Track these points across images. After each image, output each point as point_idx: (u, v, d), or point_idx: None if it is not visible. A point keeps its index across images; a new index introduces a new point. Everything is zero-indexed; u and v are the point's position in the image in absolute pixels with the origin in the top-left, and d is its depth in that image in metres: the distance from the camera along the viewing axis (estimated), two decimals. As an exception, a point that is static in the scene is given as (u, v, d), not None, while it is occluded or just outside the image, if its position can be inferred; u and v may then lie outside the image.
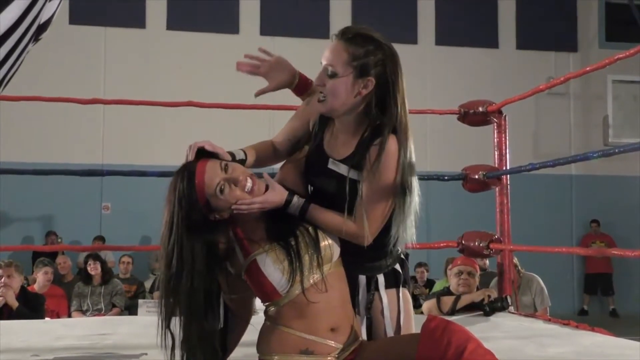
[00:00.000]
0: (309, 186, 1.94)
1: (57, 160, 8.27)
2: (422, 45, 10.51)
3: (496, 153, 3.97)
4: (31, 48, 1.47)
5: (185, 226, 1.68)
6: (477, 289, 3.93)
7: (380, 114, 1.78)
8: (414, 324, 1.96)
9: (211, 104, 3.91)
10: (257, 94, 2.10)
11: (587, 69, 3.29)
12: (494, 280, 4.48)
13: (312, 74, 2.11)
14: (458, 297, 3.81)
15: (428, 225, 8.62)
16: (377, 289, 1.93)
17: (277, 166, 2.02)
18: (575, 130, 10.95)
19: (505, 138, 3.96)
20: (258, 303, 1.86)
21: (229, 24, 9.96)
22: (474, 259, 4.13)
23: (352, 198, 1.77)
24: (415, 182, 1.80)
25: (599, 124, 10.31)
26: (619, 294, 10.39)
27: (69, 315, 5.98)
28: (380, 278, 1.94)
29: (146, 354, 2.47)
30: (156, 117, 8.86)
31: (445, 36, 10.56)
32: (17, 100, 3.54)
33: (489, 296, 3.71)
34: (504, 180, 3.92)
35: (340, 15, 10.07)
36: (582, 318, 9.19)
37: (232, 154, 1.81)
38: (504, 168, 3.93)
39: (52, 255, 7.30)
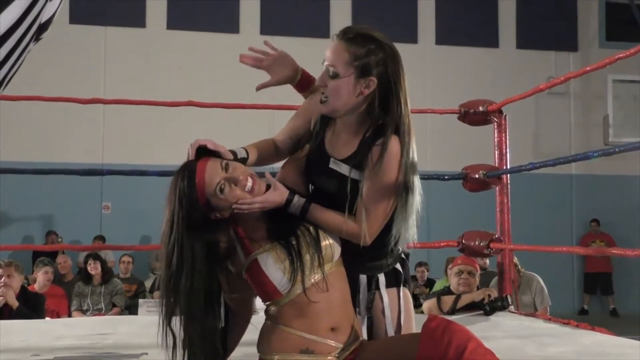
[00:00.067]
0: (310, 185, 1.94)
1: (57, 159, 8.27)
2: (422, 45, 10.51)
3: (496, 152, 3.97)
4: (32, 48, 1.47)
5: (186, 225, 1.68)
6: (478, 289, 3.93)
7: (383, 114, 1.78)
8: (414, 323, 1.96)
9: (211, 103, 3.91)
10: (259, 88, 2.10)
11: (588, 68, 3.29)
12: (494, 280, 4.48)
13: (313, 74, 2.12)
14: (458, 297, 3.81)
15: (428, 224, 8.61)
16: (377, 288, 1.93)
17: (278, 165, 2.02)
18: (576, 130, 10.96)
19: (506, 137, 3.96)
20: (258, 302, 1.86)
21: (229, 23, 9.96)
22: (474, 259, 4.13)
23: (353, 198, 1.77)
24: (417, 182, 1.80)
25: (599, 124, 10.31)
26: (619, 293, 10.40)
27: (69, 315, 5.98)
28: (381, 277, 1.94)
29: (146, 353, 2.47)
30: (156, 117, 8.86)
31: (445, 36, 10.56)
32: (17, 100, 3.54)
33: (489, 295, 3.71)
34: (504, 180, 3.92)
35: (340, 15, 10.07)
36: (582, 317, 9.19)
37: (233, 153, 1.81)
38: (504, 167, 3.93)
39: (52, 255, 7.30)
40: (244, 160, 1.83)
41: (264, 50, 2.11)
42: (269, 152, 1.95)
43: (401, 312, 1.94)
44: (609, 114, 10.05)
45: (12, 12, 1.24)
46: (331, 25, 9.88)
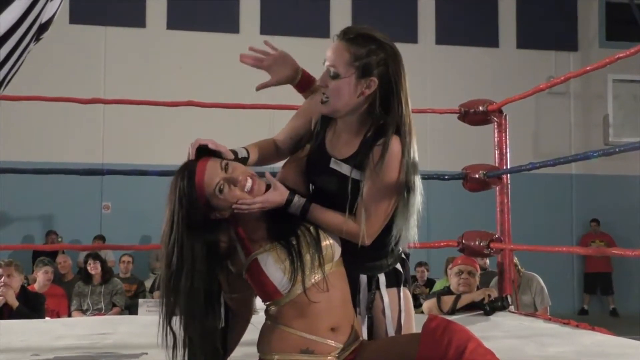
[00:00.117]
0: (310, 185, 1.94)
1: (57, 159, 8.27)
2: (422, 45, 10.51)
3: (496, 152, 3.97)
4: (32, 48, 1.47)
5: (186, 225, 1.68)
6: (478, 289, 3.93)
7: (384, 114, 1.78)
8: (414, 323, 1.96)
9: (211, 103, 3.91)
10: (259, 88, 2.10)
11: (588, 68, 3.29)
12: (494, 280, 4.48)
13: (313, 73, 2.12)
14: (458, 297, 3.81)
15: (428, 224, 8.61)
16: (378, 288, 1.93)
17: (278, 165, 2.02)
18: (576, 130, 10.96)
19: (506, 137, 3.95)
20: (259, 302, 1.86)
21: (229, 23, 9.96)
22: (474, 259, 4.13)
23: (353, 198, 1.77)
24: (418, 181, 1.80)
25: (599, 124, 10.30)
26: (619, 293, 10.40)
27: (69, 315, 5.98)
28: (382, 277, 1.94)
29: (146, 353, 2.47)
30: (156, 117, 8.86)
31: (445, 35, 10.56)
32: (17, 100, 3.54)
33: (489, 295, 3.71)
34: (504, 180, 3.92)
35: (340, 15, 10.07)
36: (582, 317, 9.19)
37: (234, 152, 1.80)
38: (504, 167, 3.93)
39: (52, 255, 7.30)
40: (244, 160, 1.83)
41: (264, 50, 2.11)
42: (269, 152, 1.95)
43: (401, 312, 1.94)
44: (609, 113, 10.05)
45: (12, 13, 1.24)
46: (331, 25, 9.88)
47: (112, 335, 2.96)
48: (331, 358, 1.71)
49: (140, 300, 4.11)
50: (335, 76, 1.76)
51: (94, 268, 6.27)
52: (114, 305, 6.25)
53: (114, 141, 9.50)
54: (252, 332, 1.85)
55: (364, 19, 9.15)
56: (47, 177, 6.12)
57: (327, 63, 1.77)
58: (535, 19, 10.70)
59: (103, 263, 6.40)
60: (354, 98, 1.77)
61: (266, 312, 1.79)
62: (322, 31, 9.42)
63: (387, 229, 1.83)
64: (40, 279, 5.87)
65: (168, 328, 1.70)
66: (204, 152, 1.75)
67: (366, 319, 1.92)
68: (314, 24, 9.84)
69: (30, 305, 4.84)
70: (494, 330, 3.09)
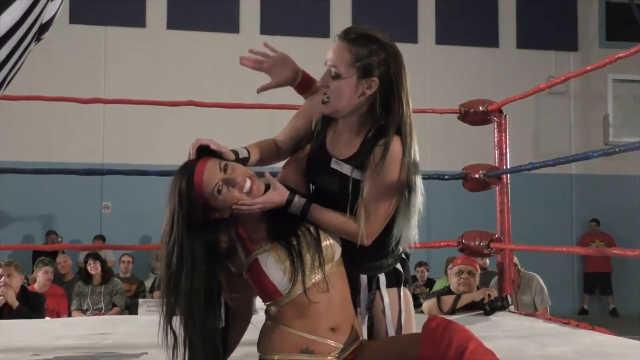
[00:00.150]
0: (311, 185, 1.94)
1: (57, 159, 8.27)
2: (422, 45, 10.51)
3: (496, 152, 3.97)
4: (33, 48, 1.47)
5: (186, 225, 1.68)
6: (478, 288, 3.93)
7: (385, 114, 1.78)
8: (414, 323, 1.96)
9: (211, 103, 3.91)
10: (259, 90, 2.10)
11: (588, 68, 3.29)
12: (494, 280, 4.48)
13: (313, 73, 2.12)
14: (458, 297, 3.81)
15: (428, 224, 8.58)
16: (378, 288, 1.93)
17: (279, 165, 2.02)
18: (576, 130, 10.96)
19: (506, 137, 3.96)
20: (259, 302, 1.86)
21: (229, 23, 9.96)
22: (474, 258, 4.13)
23: (354, 198, 1.77)
24: (419, 181, 1.81)
25: (599, 123, 10.30)
26: (618, 293, 10.40)
27: (69, 315, 5.99)
28: (382, 277, 1.94)
29: (146, 353, 2.47)
30: (156, 117, 8.86)
31: (445, 35, 10.57)
32: (17, 99, 3.54)
33: (489, 295, 3.71)
34: (504, 180, 3.92)
35: (340, 15, 10.07)
36: (582, 317, 9.19)
37: (235, 152, 1.80)
38: (504, 167, 3.93)
39: (53, 255, 7.30)
40: (245, 160, 1.83)
41: (263, 52, 2.11)
42: (270, 152, 1.95)
43: (402, 312, 1.94)
44: (609, 113, 10.05)
45: (13, 13, 1.24)
46: (331, 25, 9.88)
47: (112, 335, 2.96)
48: (331, 358, 1.71)
49: (140, 300, 4.10)
50: (337, 76, 1.76)
51: (94, 268, 6.27)
52: (114, 305, 6.25)
53: (114, 141, 9.50)
54: (252, 332, 1.85)
55: (364, 19, 9.16)
56: (47, 177, 6.11)
57: (328, 63, 1.78)
58: (535, 19, 10.70)
59: (103, 263, 6.41)
60: (355, 98, 1.77)
61: (266, 312, 1.79)
62: (322, 31, 9.42)
63: (388, 229, 1.83)
64: (40, 278, 5.87)
65: (168, 328, 1.70)
66: (204, 152, 1.75)
67: (366, 319, 1.92)
68: (314, 24, 9.84)
69: (30, 305, 4.84)
70: (494, 330, 3.09)
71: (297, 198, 1.79)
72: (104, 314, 5.91)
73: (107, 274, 6.42)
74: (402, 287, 1.97)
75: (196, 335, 1.69)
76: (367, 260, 1.91)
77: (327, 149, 1.87)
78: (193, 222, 1.68)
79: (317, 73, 1.93)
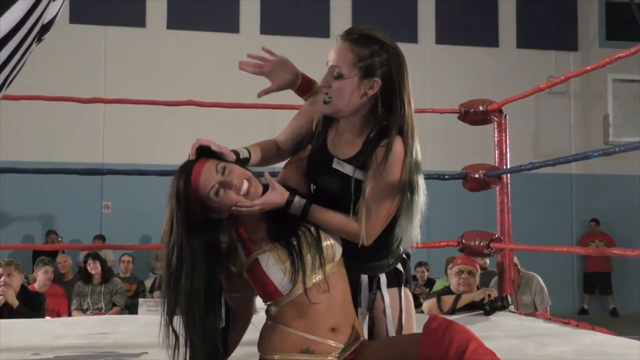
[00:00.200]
0: (312, 186, 1.94)
1: (57, 159, 8.27)
2: (423, 44, 10.51)
3: (496, 152, 3.97)
4: (34, 48, 1.47)
5: (185, 225, 1.68)
6: (478, 288, 3.93)
7: (387, 114, 1.78)
8: (415, 323, 1.96)
9: (212, 103, 3.91)
10: (260, 95, 2.10)
11: (588, 68, 3.30)
12: (494, 280, 4.49)
13: (313, 73, 2.12)
14: (458, 296, 3.81)
15: (428, 224, 8.49)
16: (379, 288, 1.93)
17: (279, 166, 2.02)
18: (576, 130, 10.96)
19: (506, 137, 3.96)
20: (259, 302, 1.86)
21: (229, 23, 9.96)
22: (474, 258, 4.13)
23: (356, 198, 1.77)
24: (421, 181, 1.81)
25: (599, 123, 10.31)
26: (618, 293, 10.40)
27: (69, 314, 5.99)
28: (382, 277, 1.94)
29: (146, 353, 2.47)
30: (156, 116, 8.86)
31: (445, 35, 10.56)
32: (17, 99, 3.54)
33: (489, 295, 3.71)
34: (504, 180, 3.92)
35: (340, 15, 10.07)
36: (582, 317, 9.19)
37: (236, 153, 1.80)
38: (504, 167, 3.93)
39: (53, 254, 7.30)
40: (246, 161, 1.83)
41: (263, 56, 2.10)
42: (271, 152, 1.95)
43: (402, 312, 1.94)
44: (609, 113, 10.05)
45: (15, 13, 1.24)
46: (331, 25, 9.88)
47: (112, 334, 2.96)
48: (331, 358, 1.72)
49: (140, 300, 4.10)
50: (339, 76, 1.76)
51: (93, 268, 6.27)
52: (114, 304, 6.25)
53: (114, 141, 9.49)
54: (252, 332, 1.85)
55: (364, 19, 9.15)
56: (47, 177, 6.13)
57: (330, 63, 1.78)
58: (535, 19, 10.70)
59: (103, 263, 6.41)
60: (357, 98, 1.77)
61: (267, 312, 1.80)
62: (322, 31, 9.43)
63: (390, 229, 1.83)
64: (40, 278, 5.88)
65: (169, 328, 1.70)
66: (205, 152, 1.75)
67: (367, 319, 1.92)
68: (314, 24, 9.84)
69: (31, 305, 4.84)
70: (494, 330, 3.09)
71: (297, 199, 1.79)
72: (104, 314, 5.91)
73: (107, 273, 6.42)
74: (402, 287, 1.97)
75: (196, 335, 1.69)
76: (368, 260, 1.91)
77: (329, 149, 1.87)
78: (192, 223, 1.68)
79: (317, 73, 1.92)
